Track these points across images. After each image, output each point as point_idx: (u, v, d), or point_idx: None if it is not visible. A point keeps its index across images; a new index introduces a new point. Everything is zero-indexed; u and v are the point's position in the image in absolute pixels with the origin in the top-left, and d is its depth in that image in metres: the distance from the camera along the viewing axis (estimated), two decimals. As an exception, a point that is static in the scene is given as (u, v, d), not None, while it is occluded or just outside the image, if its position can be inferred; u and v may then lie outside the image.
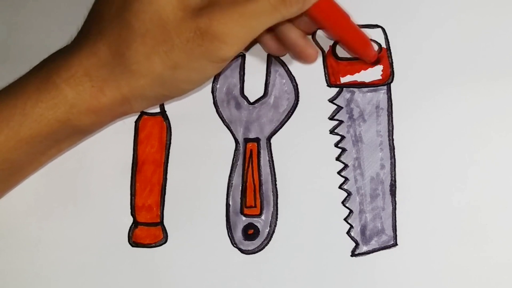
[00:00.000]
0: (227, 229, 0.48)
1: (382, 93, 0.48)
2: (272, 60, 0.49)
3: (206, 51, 0.41)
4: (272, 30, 0.46)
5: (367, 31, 0.49)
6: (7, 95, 0.42)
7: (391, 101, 0.48)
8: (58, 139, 0.43)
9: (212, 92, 0.49)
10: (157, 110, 0.49)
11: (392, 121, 0.48)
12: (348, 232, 0.47)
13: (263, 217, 0.48)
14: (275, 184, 0.48)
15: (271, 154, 0.48)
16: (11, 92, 0.42)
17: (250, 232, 0.47)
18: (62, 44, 0.44)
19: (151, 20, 0.40)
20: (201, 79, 0.43)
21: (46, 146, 0.43)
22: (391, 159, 0.48)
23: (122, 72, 0.41)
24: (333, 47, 0.49)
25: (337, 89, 0.49)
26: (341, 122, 0.48)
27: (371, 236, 0.47)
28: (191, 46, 0.40)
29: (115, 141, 0.49)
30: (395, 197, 0.47)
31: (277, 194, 0.48)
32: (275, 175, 0.48)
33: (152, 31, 0.40)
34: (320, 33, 0.49)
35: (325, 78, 0.49)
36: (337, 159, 0.48)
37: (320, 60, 0.49)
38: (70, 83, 0.41)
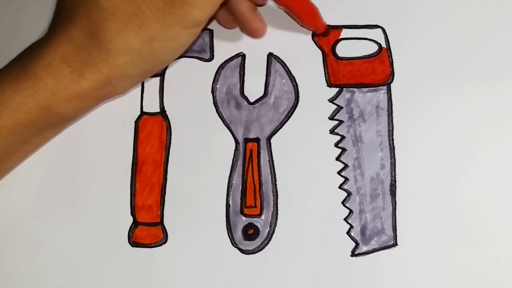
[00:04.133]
0: (227, 229, 0.48)
1: (382, 93, 0.48)
2: (272, 60, 0.49)
3: (179, 18, 0.41)
4: (224, 3, 0.46)
5: (367, 31, 0.49)
6: None
7: (391, 101, 0.48)
8: (41, 127, 0.44)
9: (212, 92, 0.49)
10: (157, 110, 0.49)
11: (392, 121, 0.48)
12: (348, 232, 0.47)
13: (263, 217, 0.48)
14: (275, 184, 0.48)
15: (271, 154, 0.48)
16: None
17: (250, 232, 0.47)
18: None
19: None
20: (178, 47, 0.43)
21: (29, 135, 0.44)
22: (391, 159, 0.48)
23: (100, 53, 0.41)
24: (333, 47, 0.49)
25: (337, 89, 0.49)
26: (341, 122, 0.48)
27: (371, 236, 0.47)
28: (163, 15, 0.41)
29: (115, 141, 0.49)
30: (395, 197, 0.47)
31: (277, 194, 0.48)
32: (275, 175, 0.48)
33: (122, 7, 0.41)
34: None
35: (325, 78, 0.49)
36: (337, 159, 0.48)
37: (320, 60, 0.49)
38: (49, 70, 0.42)
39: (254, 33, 0.48)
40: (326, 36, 0.48)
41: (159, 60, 0.44)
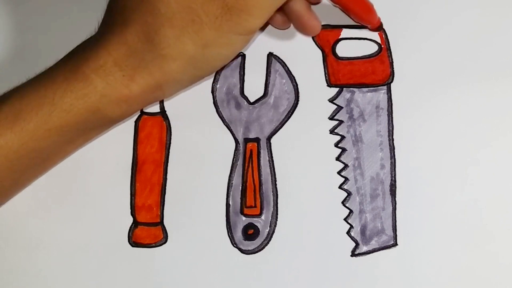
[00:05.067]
0: (227, 229, 0.48)
1: (382, 93, 0.48)
2: (272, 60, 0.49)
3: (235, 25, 0.41)
4: None
5: (367, 31, 0.49)
6: (35, 85, 0.42)
7: (391, 101, 0.48)
8: (87, 129, 0.44)
9: (212, 92, 0.49)
10: (157, 110, 0.49)
11: (392, 121, 0.48)
12: (348, 232, 0.47)
13: (263, 217, 0.48)
14: (275, 184, 0.48)
15: (271, 154, 0.48)
16: (39, 82, 0.42)
17: (250, 232, 0.47)
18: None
19: (177, 3, 0.41)
20: (230, 53, 0.44)
21: (75, 135, 0.44)
22: (391, 159, 0.48)
23: (153, 58, 0.42)
24: (333, 47, 0.49)
25: (337, 89, 0.49)
26: (341, 122, 0.48)
27: (371, 236, 0.47)
28: (220, 22, 0.41)
29: (115, 141, 0.49)
30: (395, 197, 0.47)
31: (277, 194, 0.48)
32: (275, 175, 0.48)
33: (180, 13, 0.41)
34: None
35: (325, 78, 0.49)
36: (337, 159, 0.48)
37: (320, 60, 0.49)
38: (100, 73, 0.42)
39: (311, 31, 0.47)
40: (379, 31, 0.48)
41: (210, 66, 0.44)
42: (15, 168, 0.43)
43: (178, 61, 0.42)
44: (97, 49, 0.42)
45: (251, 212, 0.48)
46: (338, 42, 0.49)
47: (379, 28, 0.48)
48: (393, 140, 0.48)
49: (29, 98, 0.42)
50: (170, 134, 0.49)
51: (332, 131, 0.48)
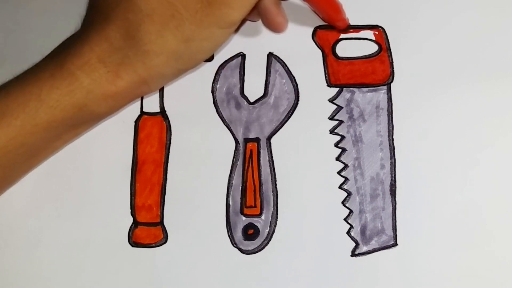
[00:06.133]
0: (227, 229, 0.48)
1: (382, 93, 0.48)
2: (272, 60, 0.49)
3: (215, 19, 0.42)
4: None
5: (367, 32, 0.49)
6: (22, 82, 0.43)
7: (391, 101, 0.48)
8: (74, 124, 0.44)
9: (212, 92, 0.49)
10: (157, 110, 0.49)
11: (392, 121, 0.48)
12: (348, 232, 0.47)
13: (263, 217, 0.48)
14: (275, 184, 0.48)
15: (271, 154, 0.48)
16: (25, 79, 0.43)
17: (250, 232, 0.47)
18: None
19: None
20: (212, 47, 0.44)
21: (62, 131, 0.44)
22: (391, 159, 0.48)
23: (136, 53, 0.42)
24: (333, 47, 0.49)
25: (337, 89, 0.49)
26: (341, 122, 0.48)
27: (371, 236, 0.47)
28: (200, 16, 0.41)
29: (115, 141, 0.49)
30: (395, 197, 0.47)
31: (277, 194, 0.48)
32: (275, 175, 0.48)
33: (159, 9, 0.41)
34: (320, 34, 0.49)
35: (325, 78, 0.49)
36: (337, 159, 0.48)
37: (320, 60, 0.49)
38: (85, 70, 0.42)
39: (277, 28, 0.48)
40: (346, 32, 0.48)
41: (193, 60, 0.44)
42: (4, 164, 0.43)
43: (161, 56, 0.42)
44: (81, 46, 0.42)
45: (251, 212, 0.48)
46: (338, 42, 0.49)
47: (347, 28, 0.48)
48: (393, 140, 0.48)
49: (15, 93, 0.42)
50: (170, 134, 0.49)
51: (332, 131, 0.48)
